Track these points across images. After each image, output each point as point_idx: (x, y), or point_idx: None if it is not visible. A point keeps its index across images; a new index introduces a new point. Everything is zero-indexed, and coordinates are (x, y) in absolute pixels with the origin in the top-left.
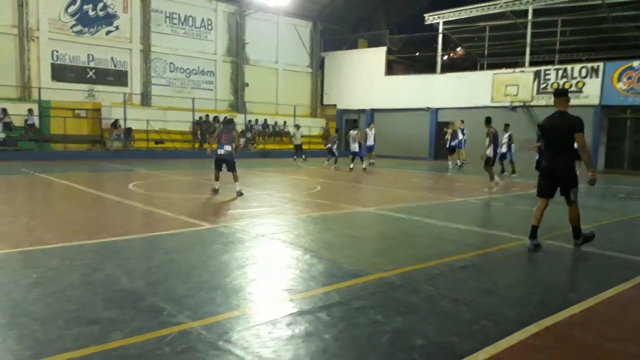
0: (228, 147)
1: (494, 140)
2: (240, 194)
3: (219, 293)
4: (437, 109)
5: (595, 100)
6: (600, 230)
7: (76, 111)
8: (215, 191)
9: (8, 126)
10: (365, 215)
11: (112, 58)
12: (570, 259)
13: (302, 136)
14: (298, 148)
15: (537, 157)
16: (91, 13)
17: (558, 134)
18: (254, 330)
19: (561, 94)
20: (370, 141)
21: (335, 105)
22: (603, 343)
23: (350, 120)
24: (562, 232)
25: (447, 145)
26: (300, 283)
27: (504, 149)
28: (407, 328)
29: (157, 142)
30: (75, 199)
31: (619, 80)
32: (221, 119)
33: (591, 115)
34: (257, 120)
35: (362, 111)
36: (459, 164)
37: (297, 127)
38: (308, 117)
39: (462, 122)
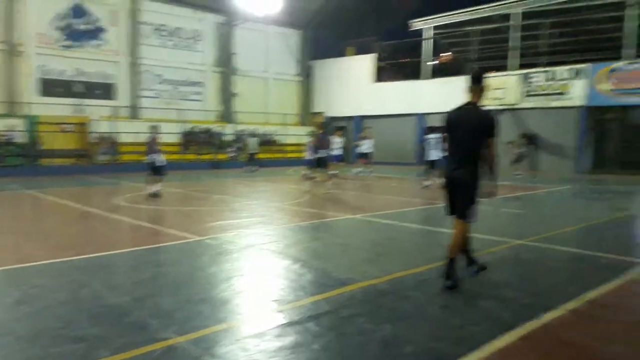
0: (154, 156)
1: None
2: (154, 195)
3: (206, 306)
4: (424, 114)
5: (580, 101)
6: (588, 230)
7: (63, 125)
8: (155, 194)
9: None
10: (353, 223)
11: (100, 71)
12: (552, 261)
13: (261, 145)
14: (251, 157)
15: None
16: (79, 27)
17: (465, 132)
18: (240, 344)
19: (475, 80)
20: (336, 149)
21: (323, 113)
22: (589, 343)
23: (338, 127)
24: (547, 235)
25: (357, 151)
26: (289, 293)
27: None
28: (396, 335)
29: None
30: (63, 215)
31: (605, 81)
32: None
33: (577, 116)
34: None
35: (351, 118)
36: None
37: (252, 135)
38: (298, 125)
39: (368, 130)
